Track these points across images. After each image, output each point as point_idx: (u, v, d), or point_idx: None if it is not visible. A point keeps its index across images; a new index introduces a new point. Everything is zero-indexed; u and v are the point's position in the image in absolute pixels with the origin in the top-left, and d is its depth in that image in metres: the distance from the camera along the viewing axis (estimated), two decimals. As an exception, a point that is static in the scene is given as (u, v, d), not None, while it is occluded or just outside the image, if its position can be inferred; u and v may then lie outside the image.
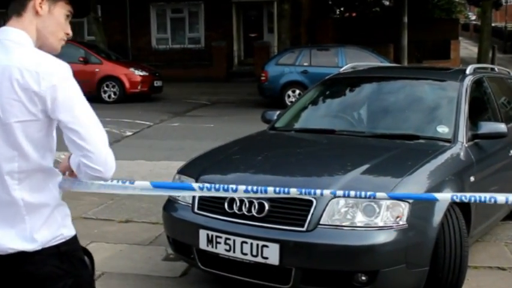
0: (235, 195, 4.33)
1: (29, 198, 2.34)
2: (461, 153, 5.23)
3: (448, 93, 6.02)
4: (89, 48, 21.26)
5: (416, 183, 4.55)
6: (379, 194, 3.43)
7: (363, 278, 4.20)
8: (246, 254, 4.35)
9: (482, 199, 3.15)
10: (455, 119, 5.51)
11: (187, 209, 4.82)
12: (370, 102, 6.37)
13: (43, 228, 2.36)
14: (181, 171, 5.21)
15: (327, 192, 3.52)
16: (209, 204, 4.69)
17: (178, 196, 4.98)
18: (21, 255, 2.34)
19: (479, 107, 6.24)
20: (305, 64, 19.42)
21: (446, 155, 5.14)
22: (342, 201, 4.25)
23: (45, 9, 2.40)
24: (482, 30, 24.11)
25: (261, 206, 4.39)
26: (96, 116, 2.35)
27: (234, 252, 4.40)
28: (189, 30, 30.19)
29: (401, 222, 4.20)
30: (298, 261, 4.27)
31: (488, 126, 5.50)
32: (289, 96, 19.00)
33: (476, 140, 5.46)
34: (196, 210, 4.74)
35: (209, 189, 3.50)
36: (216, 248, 4.49)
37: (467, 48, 42.86)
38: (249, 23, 30.00)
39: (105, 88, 20.10)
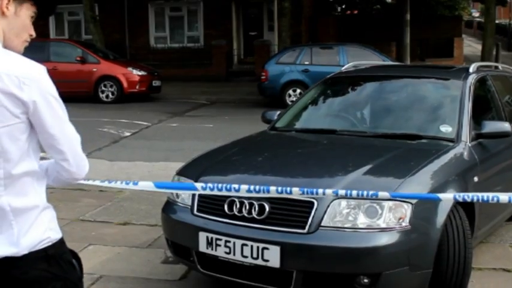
0: (237, 194, 4.35)
1: (16, 203, 2.34)
2: (465, 153, 5.23)
3: (451, 92, 6.01)
4: (86, 47, 21.28)
5: (419, 183, 4.55)
6: (381, 194, 3.43)
7: (365, 280, 4.19)
8: (246, 257, 4.34)
9: (485, 198, 3.15)
10: (459, 118, 5.51)
11: (186, 211, 4.81)
12: (372, 101, 6.36)
13: (30, 231, 2.36)
14: (180, 173, 5.21)
15: (329, 191, 3.52)
16: (209, 206, 4.68)
17: (178, 198, 4.98)
18: (8, 259, 2.34)
19: (483, 105, 6.23)
20: (306, 63, 19.41)
21: (450, 155, 5.14)
22: (343, 202, 4.25)
23: (12, 10, 2.39)
24: (485, 27, 24.05)
25: (262, 207, 4.38)
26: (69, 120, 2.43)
27: (234, 254, 4.40)
28: (188, 28, 30.20)
29: (404, 224, 4.19)
30: (300, 263, 4.27)
31: (492, 126, 5.49)
32: (289, 96, 19.00)
33: (480, 140, 5.46)
34: (195, 212, 4.73)
35: (212, 189, 3.51)
36: (215, 250, 4.48)
37: (470, 45, 42.88)
38: (249, 21, 30.02)
39: (103, 88, 20.11)
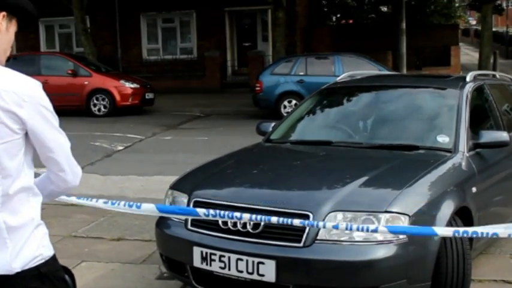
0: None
1: (11, 221, 2.35)
2: (463, 163, 5.24)
3: (448, 102, 6.03)
4: (77, 60, 21.28)
5: (416, 195, 4.56)
6: (380, 229, 3.45)
7: (363, 294, 4.20)
8: (241, 272, 4.35)
9: (484, 235, 3.18)
10: (456, 128, 5.52)
11: (180, 226, 4.82)
12: (368, 112, 6.38)
13: (23, 249, 2.37)
14: (174, 186, 5.22)
15: (329, 224, 3.53)
16: (203, 220, 4.68)
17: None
18: (1, 278, 2.34)
19: (481, 115, 6.26)
20: (301, 73, 19.44)
21: (447, 165, 5.15)
22: (339, 215, 4.26)
23: (4, 26, 2.43)
24: (482, 35, 24.20)
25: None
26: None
27: (229, 269, 4.40)
28: (181, 40, 30.25)
29: (401, 236, 4.20)
30: (296, 278, 4.27)
31: (490, 135, 5.51)
32: (285, 107, 19.02)
33: (477, 150, 5.48)
34: (189, 226, 4.74)
35: (214, 216, 3.52)
36: (210, 265, 4.48)
37: (468, 54, 43.03)
38: (242, 31, 30.08)
39: (95, 101, 20.08)
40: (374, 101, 6.60)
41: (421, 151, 5.45)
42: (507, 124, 6.30)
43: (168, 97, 23.21)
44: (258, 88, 19.50)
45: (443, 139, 5.51)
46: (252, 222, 4.38)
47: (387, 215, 4.21)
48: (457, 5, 42.60)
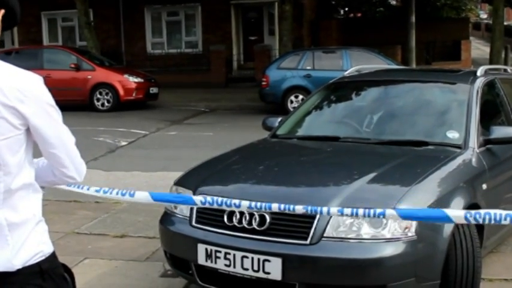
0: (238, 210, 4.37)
1: (12, 217, 2.36)
2: (473, 160, 5.23)
3: (458, 97, 6.02)
4: (80, 54, 21.31)
5: (425, 191, 4.56)
6: (388, 212, 3.42)
7: (371, 292, 4.20)
8: (247, 269, 4.35)
9: (498, 217, 3.13)
10: (466, 123, 5.51)
11: (184, 223, 4.82)
12: (376, 107, 6.37)
13: (24, 245, 2.38)
14: (179, 183, 5.22)
15: (333, 209, 3.51)
16: (208, 217, 4.69)
17: (176, 209, 4.99)
18: (2, 275, 2.35)
19: (491, 110, 6.24)
20: (308, 68, 19.42)
21: (457, 161, 5.14)
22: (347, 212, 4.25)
23: None
24: (494, 29, 24.09)
25: (262, 218, 4.39)
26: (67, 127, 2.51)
27: (234, 267, 4.40)
28: (186, 33, 30.25)
29: (410, 234, 4.20)
30: (302, 276, 4.27)
31: (501, 131, 5.50)
32: (291, 102, 19.01)
33: (488, 146, 5.46)
34: (194, 223, 4.74)
35: (211, 203, 3.51)
36: (215, 263, 4.49)
37: (478, 48, 42.91)
38: (248, 25, 30.06)
39: (98, 96, 20.12)
40: (382, 95, 6.59)
41: (430, 147, 5.44)
42: (519, 120, 6.29)
43: (172, 92, 23.21)
44: (264, 83, 19.49)
45: (453, 135, 5.50)
46: (257, 219, 4.39)
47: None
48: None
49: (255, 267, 4.31)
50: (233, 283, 4.51)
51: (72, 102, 19.42)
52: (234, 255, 4.40)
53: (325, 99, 6.83)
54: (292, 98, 19.17)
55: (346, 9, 39.73)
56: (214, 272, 4.55)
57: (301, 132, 6.44)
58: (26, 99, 2.30)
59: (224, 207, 3.38)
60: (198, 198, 3.51)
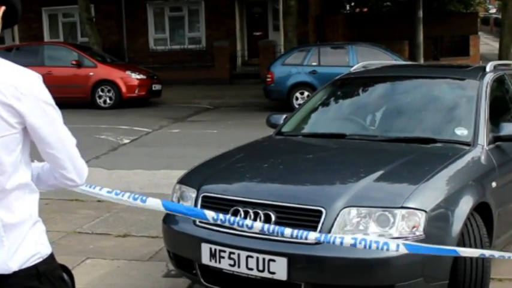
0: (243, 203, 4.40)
1: (7, 218, 2.35)
2: (482, 157, 5.22)
3: (466, 93, 6.01)
4: (82, 50, 21.33)
5: (433, 190, 4.55)
6: (392, 245, 3.45)
7: (378, 293, 4.20)
8: (251, 269, 4.35)
9: None
10: (475, 120, 5.50)
11: (188, 222, 4.82)
12: (383, 103, 6.36)
13: (21, 247, 2.37)
14: (182, 181, 5.22)
15: (345, 240, 3.49)
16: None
17: (179, 208, 4.99)
18: None
19: (501, 106, 6.23)
20: (314, 64, 19.41)
21: (466, 159, 5.13)
22: (353, 211, 4.25)
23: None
24: (503, 24, 24.01)
25: (267, 217, 4.39)
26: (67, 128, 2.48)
27: (238, 267, 4.40)
28: (189, 29, 30.26)
29: (417, 233, 4.19)
30: (308, 276, 4.27)
31: (510, 128, 5.47)
32: (297, 99, 19.00)
33: (497, 143, 5.45)
34: (198, 222, 4.74)
35: (223, 221, 3.49)
36: (219, 262, 4.49)
37: (487, 43, 42.82)
38: (253, 20, 30.06)
39: (100, 93, 20.14)
40: (389, 92, 6.58)
41: (438, 144, 5.43)
42: (529, 116, 6.28)
43: (175, 88, 23.23)
44: (269, 79, 19.49)
45: (461, 132, 5.49)
46: (262, 218, 4.39)
47: (403, 211, 4.20)
48: (476, -8, 42.43)
49: (260, 267, 4.31)
50: (238, 283, 4.51)
51: (74, 99, 19.44)
52: (239, 254, 4.40)
53: (331, 96, 6.82)
54: (298, 94, 19.16)
55: (352, 4, 39.73)
56: (218, 271, 4.55)
57: (306, 129, 6.44)
58: (22, 97, 2.28)
59: (236, 226, 3.37)
60: (210, 214, 3.51)
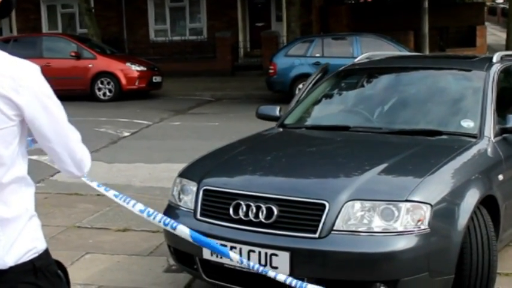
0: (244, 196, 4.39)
1: (3, 212, 2.35)
2: (489, 150, 5.22)
3: (473, 84, 6.00)
4: (81, 42, 21.32)
5: (439, 183, 4.55)
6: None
7: (382, 288, 4.20)
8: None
9: None
10: (482, 112, 5.49)
11: (189, 216, 4.82)
12: (387, 95, 6.36)
13: (17, 242, 2.37)
14: (183, 174, 5.22)
15: None
16: (213, 210, 4.70)
17: (180, 201, 5.00)
18: None
19: (508, 98, 6.22)
20: (317, 55, 19.38)
21: (472, 151, 5.13)
22: (357, 204, 4.25)
23: None
24: (510, 14, 23.96)
25: (270, 211, 4.39)
26: (66, 116, 2.48)
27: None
28: (190, 20, 30.21)
29: (422, 227, 4.19)
30: (311, 270, 4.27)
31: (518, 120, 5.47)
32: (300, 91, 18.95)
33: (504, 135, 5.44)
34: (199, 216, 4.75)
35: (249, 267, 3.43)
36: (221, 257, 4.49)
37: (494, 34, 42.71)
38: (255, 11, 30.00)
39: (100, 85, 20.13)
40: (394, 83, 6.57)
41: (444, 136, 5.43)
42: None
43: (176, 80, 23.22)
44: (271, 71, 19.47)
45: (467, 124, 5.48)
46: (264, 212, 4.39)
47: (408, 205, 4.20)
48: (483, -19, 42.26)
49: (262, 262, 4.31)
50: (239, 278, 4.51)
51: (73, 91, 19.45)
52: (241, 249, 4.40)
53: (335, 88, 6.81)
54: (301, 86, 19.04)
55: (357, -7, 39.57)
56: (219, 266, 4.55)
57: (309, 121, 6.43)
58: (20, 88, 2.28)
59: (254, 270, 3.34)
60: (235, 257, 3.49)
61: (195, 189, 4.88)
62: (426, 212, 4.21)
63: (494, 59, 6.18)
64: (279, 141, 6.05)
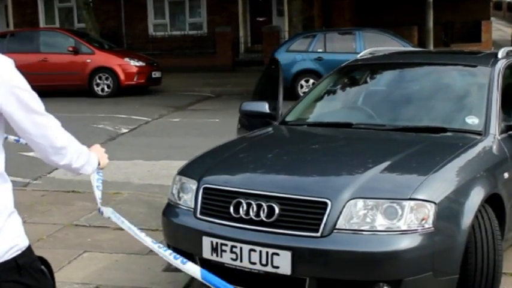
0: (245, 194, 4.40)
1: None
2: (494, 147, 5.21)
3: (478, 80, 6.00)
4: (79, 36, 21.31)
5: (443, 181, 4.54)
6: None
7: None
8: (254, 263, 4.35)
9: None
10: (487, 108, 5.49)
11: (189, 214, 4.82)
12: (391, 91, 6.36)
13: None
14: (182, 172, 5.22)
15: None
16: (213, 208, 4.69)
17: (180, 200, 4.99)
18: None
19: (514, 95, 6.21)
20: (319, 50, 19.40)
21: (477, 149, 5.12)
22: (360, 202, 4.25)
23: None
24: (516, 8, 23.97)
25: (271, 209, 4.39)
26: (43, 106, 2.51)
27: (241, 261, 4.40)
28: (190, 14, 30.20)
29: (426, 226, 4.18)
30: (313, 270, 4.27)
31: (524, 116, 5.48)
32: (302, 87, 18.99)
33: (510, 132, 5.43)
34: (199, 215, 4.74)
35: None
36: (221, 256, 4.49)
37: (500, 29, 42.73)
38: (256, 5, 29.98)
39: (98, 81, 20.13)
40: (398, 79, 6.57)
41: (448, 134, 5.42)
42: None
43: (176, 76, 23.22)
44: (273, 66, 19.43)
45: (472, 121, 5.48)
46: (265, 210, 4.39)
47: (412, 203, 4.20)
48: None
49: (263, 261, 4.31)
50: (240, 278, 4.50)
51: (71, 87, 19.47)
52: (241, 248, 4.40)
53: (337, 84, 6.81)
54: (303, 82, 19.15)
55: (360, -12, 39.53)
56: (220, 266, 4.55)
57: (311, 118, 6.43)
58: None
59: None
60: None
61: (195, 187, 4.88)
62: (430, 211, 4.21)
63: (500, 55, 6.18)
64: (280, 138, 6.05)
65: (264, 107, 6.36)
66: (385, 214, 4.20)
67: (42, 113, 2.48)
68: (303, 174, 4.86)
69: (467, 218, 4.38)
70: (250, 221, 4.45)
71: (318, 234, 4.24)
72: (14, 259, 2.41)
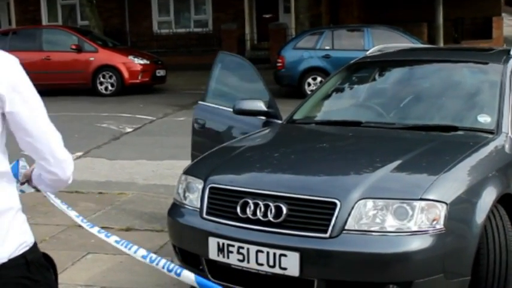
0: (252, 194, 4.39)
1: None
2: (506, 146, 5.20)
3: (490, 78, 5.99)
4: (82, 34, 21.34)
5: (454, 180, 4.53)
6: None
7: (395, 289, 4.19)
8: (261, 265, 4.35)
9: None
10: (499, 106, 5.47)
11: (195, 214, 4.82)
12: (400, 89, 6.35)
13: (8, 237, 2.41)
14: (188, 172, 5.22)
15: None
16: (219, 208, 4.69)
17: (185, 200, 4.99)
18: None
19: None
20: (327, 48, 19.37)
21: (489, 148, 5.11)
22: (369, 203, 4.24)
23: None
24: (528, 4, 23.92)
25: (279, 209, 4.38)
26: (46, 113, 2.50)
27: (248, 262, 4.40)
28: (195, 11, 30.22)
29: (438, 226, 4.17)
30: (321, 271, 4.26)
31: (537, 115, 5.45)
32: (309, 85, 18.98)
33: (523, 131, 5.42)
34: (205, 215, 4.74)
35: None
36: (227, 257, 4.49)
37: (511, 25, 42.59)
38: (262, 2, 29.95)
39: (102, 79, 20.15)
40: (407, 77, 6.56)
41: (459, 132, 5.41)
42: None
43: (180, 74, 23.23)
44: (279, 64, 19.47)
45: (484, 119, 5.46)
46: (273, 210, 4.38)
47: (422, 203, 4.19)
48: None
49: (271, 263, 4.31)
50: (247, 279, 4.51)
51: (74, 86, 19.49)
52: (248, 249, 4.39)
53: (346, 81, 6.80)
54: (310, 80, 19.13)
55: (368, -16, 39.50)
56: (226, 267, 4.55)
57: (319, 116, 6.42)
58: (1, 80, 2.31)
59: None
60: None
61: (201, 187, 4.88)
62: (441, 211, 4.20)
63: (512, 52, 6.17)
64: (287, 137, 6.03)
65: (260, 105, 6.26)
66: (396, 215, 4.19)
67: (46, 118, 2.47)
68: (311, 174, 4.86)
69: (479, 219, 4.37)
70: (258, 222, 4.45)
71: (327, 235, 4.23)
72: (23, 255, 2.45)
